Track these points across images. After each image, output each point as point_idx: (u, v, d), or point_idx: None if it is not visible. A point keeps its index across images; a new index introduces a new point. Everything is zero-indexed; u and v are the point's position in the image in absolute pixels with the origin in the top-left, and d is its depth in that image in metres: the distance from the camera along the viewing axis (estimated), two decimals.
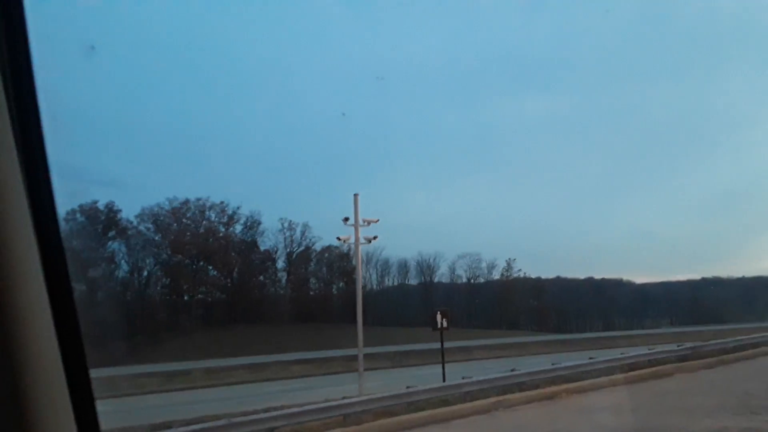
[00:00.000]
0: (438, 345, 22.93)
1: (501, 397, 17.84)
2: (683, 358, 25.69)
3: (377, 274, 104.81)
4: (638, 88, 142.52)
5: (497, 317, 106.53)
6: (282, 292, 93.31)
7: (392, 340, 58.02)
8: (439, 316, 21.87)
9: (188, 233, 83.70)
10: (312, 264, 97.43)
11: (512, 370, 20.60)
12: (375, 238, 22.02)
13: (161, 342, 63.82)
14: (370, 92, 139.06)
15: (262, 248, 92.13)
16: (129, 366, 39.66)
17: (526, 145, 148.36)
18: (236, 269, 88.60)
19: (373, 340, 42.62)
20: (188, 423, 15.93)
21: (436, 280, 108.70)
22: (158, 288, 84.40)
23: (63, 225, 1.81)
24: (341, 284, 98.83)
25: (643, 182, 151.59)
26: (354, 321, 22.84)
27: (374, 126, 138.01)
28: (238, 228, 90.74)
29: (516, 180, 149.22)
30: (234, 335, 69.13)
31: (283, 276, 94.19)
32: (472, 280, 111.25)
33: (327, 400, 17.17)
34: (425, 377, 23.48)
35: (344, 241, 22.15)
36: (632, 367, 23.35)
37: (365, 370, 21.75)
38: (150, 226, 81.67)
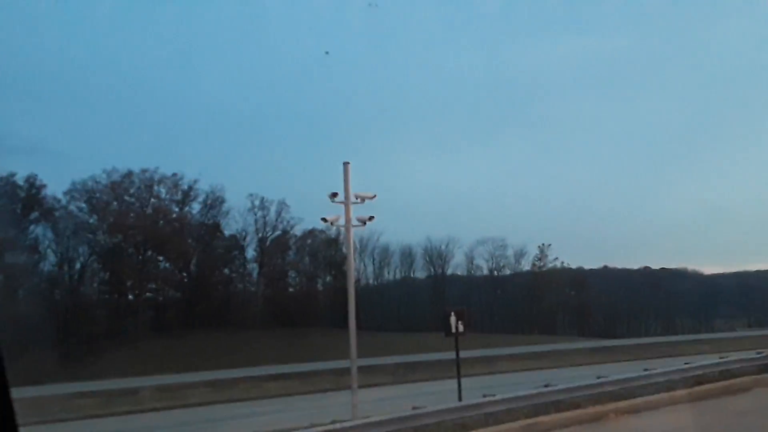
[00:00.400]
0: (452, 354, 23.05)
1: (532, 420, 17.98)
2: (764, 369, 25.87)
3: (374, 265, 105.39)
4: (709, 22, 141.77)
5: (527, 318, 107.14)
6: (253, 288, 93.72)
7: (394, 349, 58.40)
8: (453, 318, 21.92)
9: (132, 214, 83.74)
10: (291, 253, 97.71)
11: (546, 386, 20.74)
12: (371, 218, 21.97)
13: (100, 353, 64.14)
14: (360, 26, 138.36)
15: (226, 233, 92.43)
16: (60, 383, 39.89)
17: (565, 100, 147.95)
18: (194, 260, 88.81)
19: (370, 349, 42.82)
20: None
21: (449, 272, 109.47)
22: (95, 284, 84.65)
23: None
24: (328, 278, 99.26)
25: (714, 146, 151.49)
26: (345, 325, 22.95)
27: (367, 73, 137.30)
28: (196, 207, 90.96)
29: (551, 145, 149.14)
30: (192, 344, 69.51)
31: (254, 268, 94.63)
32: (495, 272, 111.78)
33: (312, 425, 17.30)
34: (436, 395, 23.65)
35: (332, 223, 22.09)
36: (699, 381, 23.51)
37: (360, 386, 21.92)
38: (83, 205, 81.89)
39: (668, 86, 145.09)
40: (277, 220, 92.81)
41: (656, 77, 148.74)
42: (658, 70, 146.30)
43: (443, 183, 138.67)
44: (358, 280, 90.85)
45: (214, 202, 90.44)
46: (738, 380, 23.90)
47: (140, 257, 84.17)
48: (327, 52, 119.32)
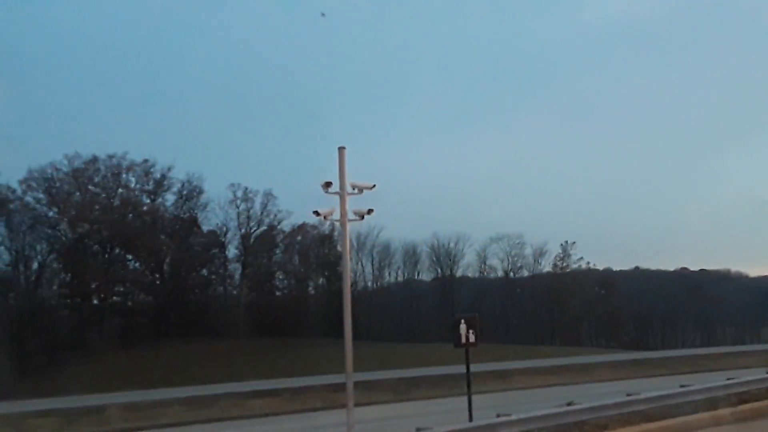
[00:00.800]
0: (461, 368, 23.00)
1: None
2: None
3: (374, 265, 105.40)
4: None
5: (548, 327, 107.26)
6: (235, 292, 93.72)
7: (396, 362, 58.37)
8: (463, 327, 21.86)
9: (97, 206, 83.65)
10: (278, 251, 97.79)
11: (569, 404, 20.73)
12: (370, 212, 21.81)
13: (61, 365, 64.23)
14: None
15: (204, 228, 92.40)
16: (14, 400, 39.86)
17: (592, 78, 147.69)
18: (168, 259, 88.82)
19: (368, 361, 42.76)
20: None
21: (458, 273, 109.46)
22: (55, 287, 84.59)
23: None
24: (321, 280, 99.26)
25: (763, 132, 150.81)
26: (339, 334, 22.86)
27: (367, 47, 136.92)
28: (170, 198, 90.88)
29: (576, 130, 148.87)
30: (166, 355, 69.57)
31: (236, 269, 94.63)
32: (511, 274, 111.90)
33: None
34: (444, 414, 23.64)
35: (325, 217, 21.92)
36: (744, 399, 23.52)
37: (357, 404, 21.84)
38: (41, 196, 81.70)
39: (712, 60, 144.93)
40: (262, 213, 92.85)
41: (698, 50, 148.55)
42: (700, 41, 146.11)
43: (452, 172, 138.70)
44: (355, 283, 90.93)
45: (191, 193, 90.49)
46: None
47: (106, 256, 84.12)
48: (323, 14, 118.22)
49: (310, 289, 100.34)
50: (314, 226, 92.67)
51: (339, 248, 76.83)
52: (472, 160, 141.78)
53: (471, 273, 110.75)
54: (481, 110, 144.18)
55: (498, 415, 18.96)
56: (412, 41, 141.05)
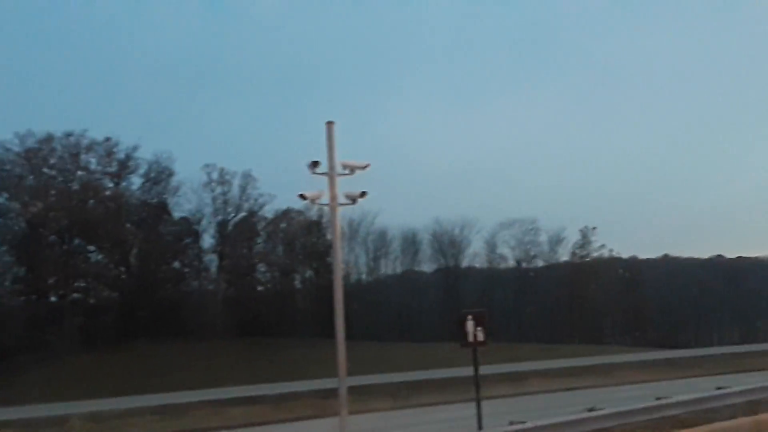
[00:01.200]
0: (469, 370, 23.07)
1: None
2: None
3: (368, 255, 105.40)
4: None
5: (566, 323, 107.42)
6: (211, 287, 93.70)
7: (394, 364, 58.54)
8: (470, 324, 21.92)
9: (53, 191, 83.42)
10: (260, 240, 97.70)
11: (590, 410, 20.83)
12: (363, 195, 21.79)
13: (16, 371, 64.28)
14: None
15: (176, 215, 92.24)
16: None
17: (615, 39, 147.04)
18: (135, 250, 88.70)
19: (363, 363, 42.80)
20: None
21: (464, 263, 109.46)
22: (7, 283, 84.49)
23: None
24: (309, 273, 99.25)
25: None
26: (330, 333, 22.88)
27: (359, 6, 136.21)
28: (136, 181, 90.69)
29: (597, 99, 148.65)
30: (134, 358, 69.63)
31: (212, 261, 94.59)
32: (523, 264, 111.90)
33: None
34: (450, 423, 23.76)
35: (312, 201, 21.90)
36: None
37: (351, 413, 21.92)
38: None
39: (752, 25, 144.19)
40: (241, 197, 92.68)
41: (736, 13, 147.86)
42: (739, 2, 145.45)
43: (457, 150, 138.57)
44: (347, 275, 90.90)
45: (160, 175, 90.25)
46: None
47: (65, 247, 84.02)
48: None
49: (296, 282, 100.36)
50: (300, 212, 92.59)
51: (329, 236, 76.88)
52: (480, 137, 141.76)
53: (478, 263, 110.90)
54: (490, 80, 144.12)
55: (511, 423, 19.07)
56: (414, 2, 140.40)
